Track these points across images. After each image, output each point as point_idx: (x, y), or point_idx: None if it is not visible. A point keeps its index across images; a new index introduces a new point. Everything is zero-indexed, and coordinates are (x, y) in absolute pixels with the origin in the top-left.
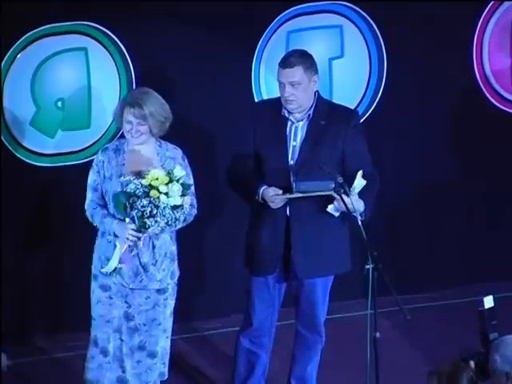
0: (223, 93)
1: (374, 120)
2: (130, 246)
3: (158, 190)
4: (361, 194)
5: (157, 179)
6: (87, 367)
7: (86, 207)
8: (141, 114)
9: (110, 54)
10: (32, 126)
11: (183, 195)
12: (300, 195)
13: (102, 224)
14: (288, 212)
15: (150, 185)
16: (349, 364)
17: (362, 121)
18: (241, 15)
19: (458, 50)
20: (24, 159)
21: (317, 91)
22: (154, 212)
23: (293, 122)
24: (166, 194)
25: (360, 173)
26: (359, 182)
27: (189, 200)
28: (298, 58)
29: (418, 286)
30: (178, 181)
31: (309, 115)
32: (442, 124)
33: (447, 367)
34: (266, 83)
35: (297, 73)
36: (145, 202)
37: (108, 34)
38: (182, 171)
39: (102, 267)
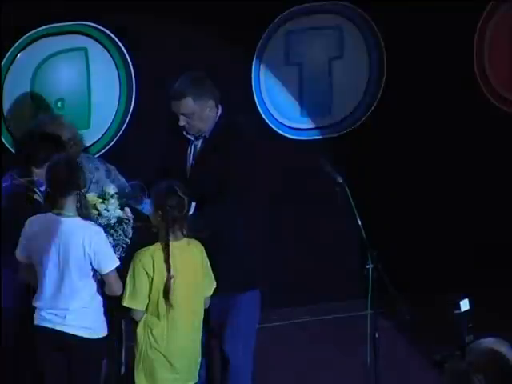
0: (223, 93)
1: (374, 120)
2: None
3: (96, 209)
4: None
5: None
6: None
7: None
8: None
9: (110, 54)
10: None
11: (122, 208)
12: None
13: None
14: None
15: None
16: (349, 364)
17: (361, 121)
18: (241, 15)
19: (458, 49)
20: None
21: (221, 111)
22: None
23: (192, 141)
24: (106, 210)
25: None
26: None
27: (129, 210)
28: (187, 87)
29: (417, 287)
30: (112, 196)
31: (205, 136)
32: (442, 124)
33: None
34: (265, 83)
35: (187, 104)
36: None
37: (108, 34)
38: (112, 187)
39: None
